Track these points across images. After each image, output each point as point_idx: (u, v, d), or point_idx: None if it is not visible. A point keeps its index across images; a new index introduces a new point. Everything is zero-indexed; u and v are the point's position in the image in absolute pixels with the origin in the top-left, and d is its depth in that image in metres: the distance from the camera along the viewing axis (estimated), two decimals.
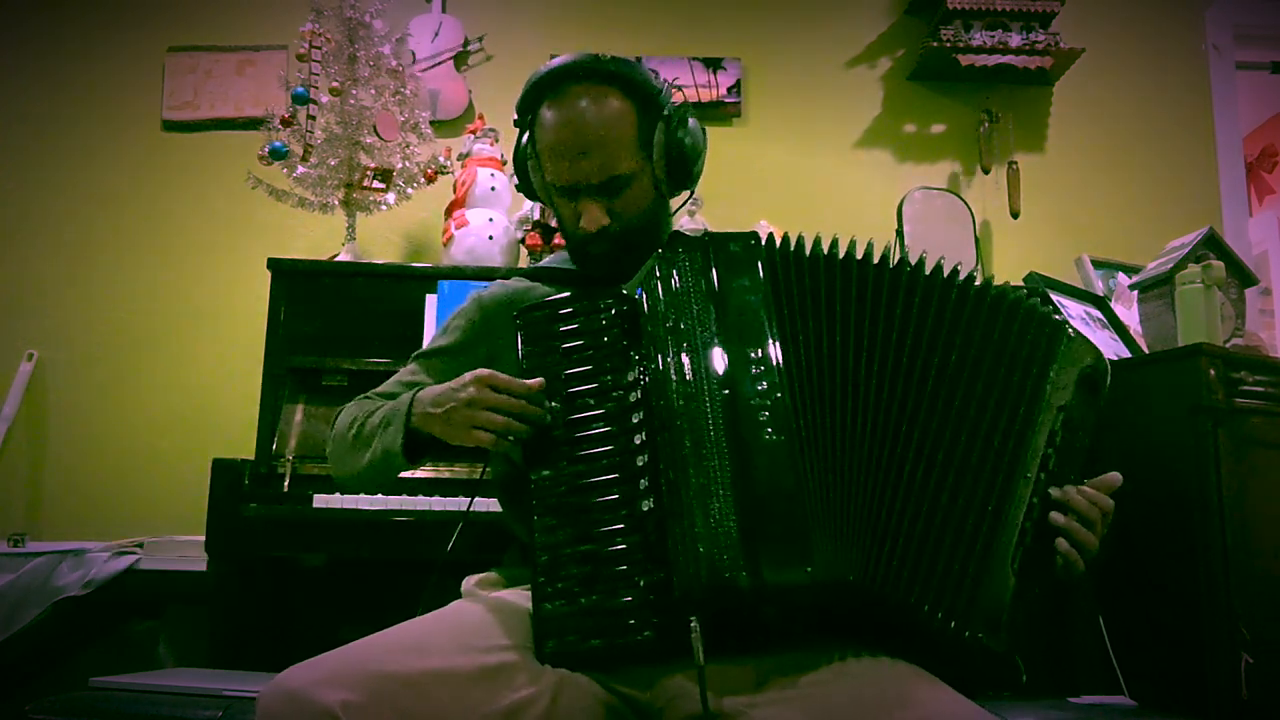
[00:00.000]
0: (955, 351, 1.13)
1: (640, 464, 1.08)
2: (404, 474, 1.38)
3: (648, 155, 1.31)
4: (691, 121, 1.35)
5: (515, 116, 1.37)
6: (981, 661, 1.04)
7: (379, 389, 1.42)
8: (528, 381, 1.13)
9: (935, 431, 1.10)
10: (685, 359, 1.08)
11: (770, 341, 1.09)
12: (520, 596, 1.19)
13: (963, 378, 1.12)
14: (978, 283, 1.17)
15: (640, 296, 1.15)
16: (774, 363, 1.08)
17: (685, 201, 1.41)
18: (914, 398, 1.11)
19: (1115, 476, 1.14)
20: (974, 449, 1.09)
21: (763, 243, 1.17)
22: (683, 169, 1.34)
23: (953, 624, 1.03)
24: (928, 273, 1.17)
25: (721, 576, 0.99)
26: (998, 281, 1.20)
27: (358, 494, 1.88)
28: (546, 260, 1.49)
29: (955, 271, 1.18)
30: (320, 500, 1.88)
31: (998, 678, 1.07)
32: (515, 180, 1.42)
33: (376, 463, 1.27)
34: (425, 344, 1.49)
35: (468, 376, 1.16)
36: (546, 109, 1.31)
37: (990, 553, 1.05)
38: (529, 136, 1.36)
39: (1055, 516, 1.09)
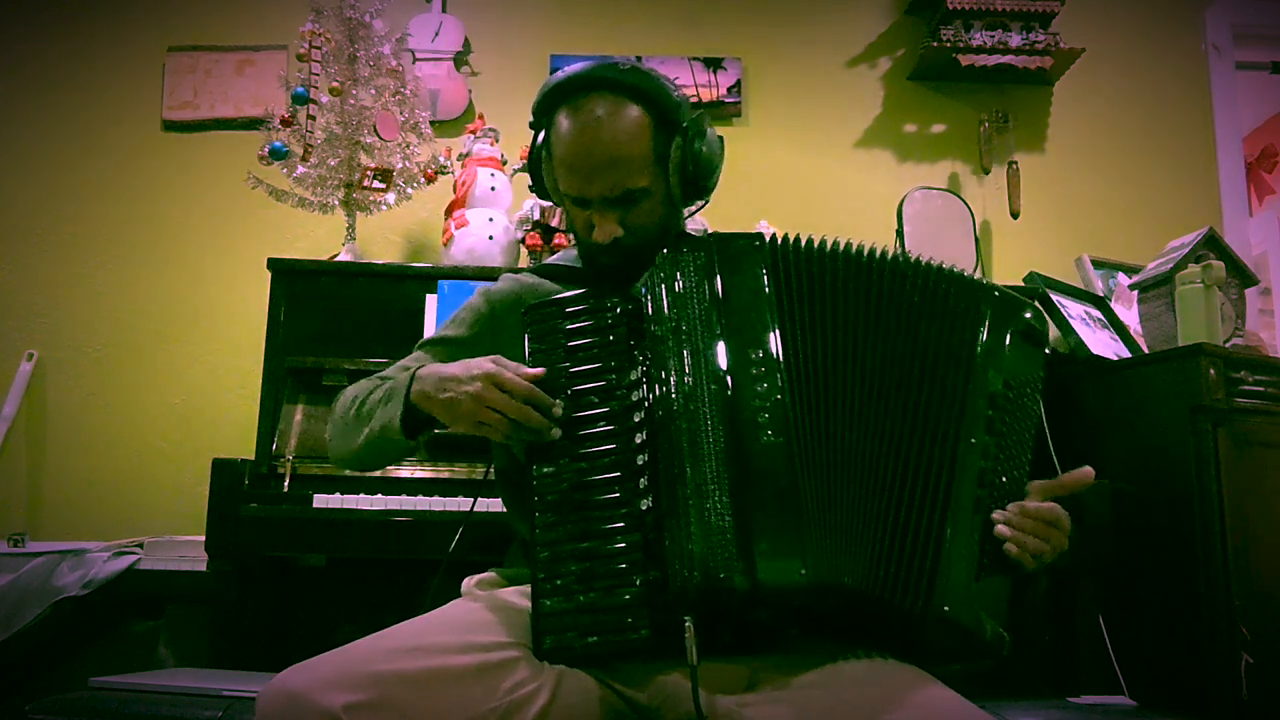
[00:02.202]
0: (905, 335, 1.13)
1: (640, 463, 1.08)
2: (405, 474, 1.37)
3: (663, 169, 1.30)
4: (709, 133, 1.33)
5: (531, 118, 1.35)
6: (957, 637, 1.05)
7: (383, 372, 1.41)
8: (533, 379, 1.13)
9: (899, 419, 1.10)
10: (686, 359, 1.08)
11: (771, 343, 1.09)
12: (519, 595, 1.20)
13: (917, 362, 1.12)
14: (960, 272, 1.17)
15: (645, 296, 1.15)
16: (775, 364, 1.08)
17: (698, 209, 1.39)
18: (880, 391, 1.11)
19: (1088, 472, 1.15)
20: (927, 427, 1.10)
21: (766, 243, 1.17)
22: (698, 182, 1.32)
23: (919, 603, 1.02)
24: (923, 268, 1.17)
25: (715, 577, 0.99)
26: (999, 283, 1.20)
27: (359, 494, 1.88)
28: (556, 257, 1.48)
29: (940, 267, 1.17)
30: (320, 500, 1.88)
31: (976, 650, 1.07)
32: (529, 179, 1.40)
33: (374, 439, 1.26)
34: (432, 332, 1.47)
35: (476, 370, 1.14)
36: (563, 117, 1.29)
37: (945, 526, 1.05)
38: (543, 139, 1.34)
39: (1001, 530, 1.07)
